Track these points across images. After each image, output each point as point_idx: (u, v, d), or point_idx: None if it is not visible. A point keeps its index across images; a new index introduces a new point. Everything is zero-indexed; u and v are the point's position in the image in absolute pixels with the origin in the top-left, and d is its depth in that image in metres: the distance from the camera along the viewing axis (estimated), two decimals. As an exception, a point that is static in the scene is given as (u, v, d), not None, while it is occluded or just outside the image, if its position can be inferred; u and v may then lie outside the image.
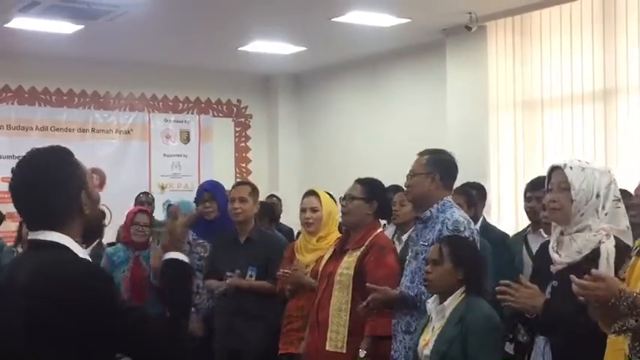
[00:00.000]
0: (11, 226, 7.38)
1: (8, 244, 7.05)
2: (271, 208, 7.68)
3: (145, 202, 7.86)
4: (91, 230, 2.24)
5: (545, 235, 4.48)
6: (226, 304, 4.98)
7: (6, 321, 2.08)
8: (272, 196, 8.24)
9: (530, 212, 4.98)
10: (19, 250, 6.49)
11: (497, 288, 3.00)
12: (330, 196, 5.14)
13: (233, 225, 5.17)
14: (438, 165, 3.88)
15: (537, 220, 4.85)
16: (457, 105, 8.14)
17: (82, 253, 2.18)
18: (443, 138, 7.45)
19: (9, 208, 7.73)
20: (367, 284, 3.92)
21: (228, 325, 4.95)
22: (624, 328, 2.47)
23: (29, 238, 2.21)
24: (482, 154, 7.74)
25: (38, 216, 2.18)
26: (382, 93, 9.52)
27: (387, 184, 4.66)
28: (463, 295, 3.34)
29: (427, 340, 3.34)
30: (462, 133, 7.89)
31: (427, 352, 3.31)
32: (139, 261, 5.55)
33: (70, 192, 2.17)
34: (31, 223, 2.20)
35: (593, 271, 2.50)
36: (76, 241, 2.18)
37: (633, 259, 2.72)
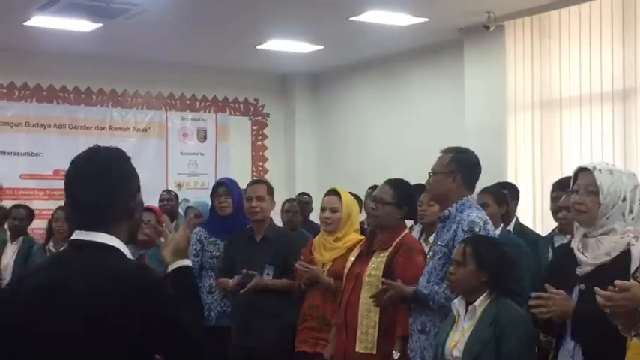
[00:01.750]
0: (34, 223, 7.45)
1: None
2: (304, 207, 7.74)
3: (166, 199, 7.93)
4: (133, 235, 2.24)
5: (567, 237, 4.42)
6: (243, 302, 4.98)
7: (63, 325, 2.00)
8: (303, 194, 8.25)
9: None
10: (51, 248, 6.50)
11: (530, 302, 2.99)
12: (356, 196, 5.10)
13: (246, 223, 5.17)
14: (462, 165, 3.86)
15: None
16: (475, 105, 8.10)
17: (131, 256, 2.15)
18: (461, 138, 7.40)
19: (35, 205, 7.72)
20: (382, 279, 3.91)
21: (244, 322, 4.95)
22: None
23: (74, 237, 2.13)
24: (500, 154, 7.70)
25: (94, 212, 2.10)
26: (400, 92, 9.49)
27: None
28: (491, 296, 3.32)
29: (456, 341, 3.31)
30: (480, 133, 7.85)
31: (457, 352, 3.28)
32: (145, 259, 5.58)
33: (129, 192, 2.15)
34: (83, 220, 2.12)
35: (617, 282, 2.49)
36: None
37: None
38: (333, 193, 4.83)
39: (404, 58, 9.25)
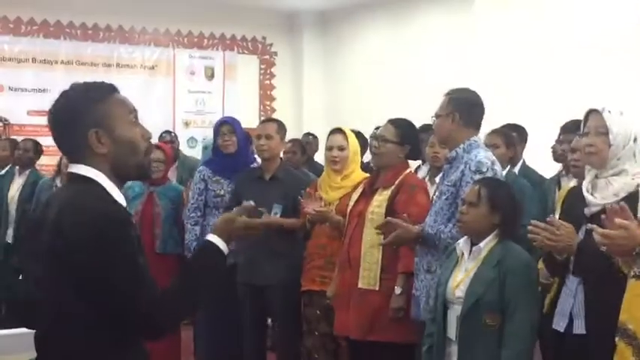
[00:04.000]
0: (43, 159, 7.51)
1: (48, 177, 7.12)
2: (307, 147, 7.66)
3: (169, 141, 7.94)
4: (121, 171, 2.15)
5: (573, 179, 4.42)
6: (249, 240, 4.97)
7: (40, 257, 2.08)
8: (308, 134, 8.21)
9: (562, 155, 4.92)
10: (58, 183, 6.56)
11: (529, 227, 2.97)
12: (357, 134, 5.07)
13: (249, 162, 5.14)
14: (458, 104, 3.81)
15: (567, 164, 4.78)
16: (488, 43, 8.00)
17: (113, 188, 2.13)
18: (472, 75, 7.32)
19: (43, 141, 7.71)
20: (388, 218, 3.90)
21: (251, 261, 4.94)
22: None
23: (67, 170, 2.20)
24: (515, 93, 7.62)
25: (65, 149, 2.19)
26: (409, 29, 9.36)
27: (415, 123, 4.57)
28: (497, 238, 3.30)
29: (459, 281, 3.31)
30: (493, 71, 7.76)
31: (460, 292, 3.28)
32: (153, 196, 5.64)
33: (76, 129, 2.12)
34: (65, 155, 2.22)
35: (617, 220, 2.48)
36: (111, 178, 2.13)
37: None
38: (339, 131, 4.80)
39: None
